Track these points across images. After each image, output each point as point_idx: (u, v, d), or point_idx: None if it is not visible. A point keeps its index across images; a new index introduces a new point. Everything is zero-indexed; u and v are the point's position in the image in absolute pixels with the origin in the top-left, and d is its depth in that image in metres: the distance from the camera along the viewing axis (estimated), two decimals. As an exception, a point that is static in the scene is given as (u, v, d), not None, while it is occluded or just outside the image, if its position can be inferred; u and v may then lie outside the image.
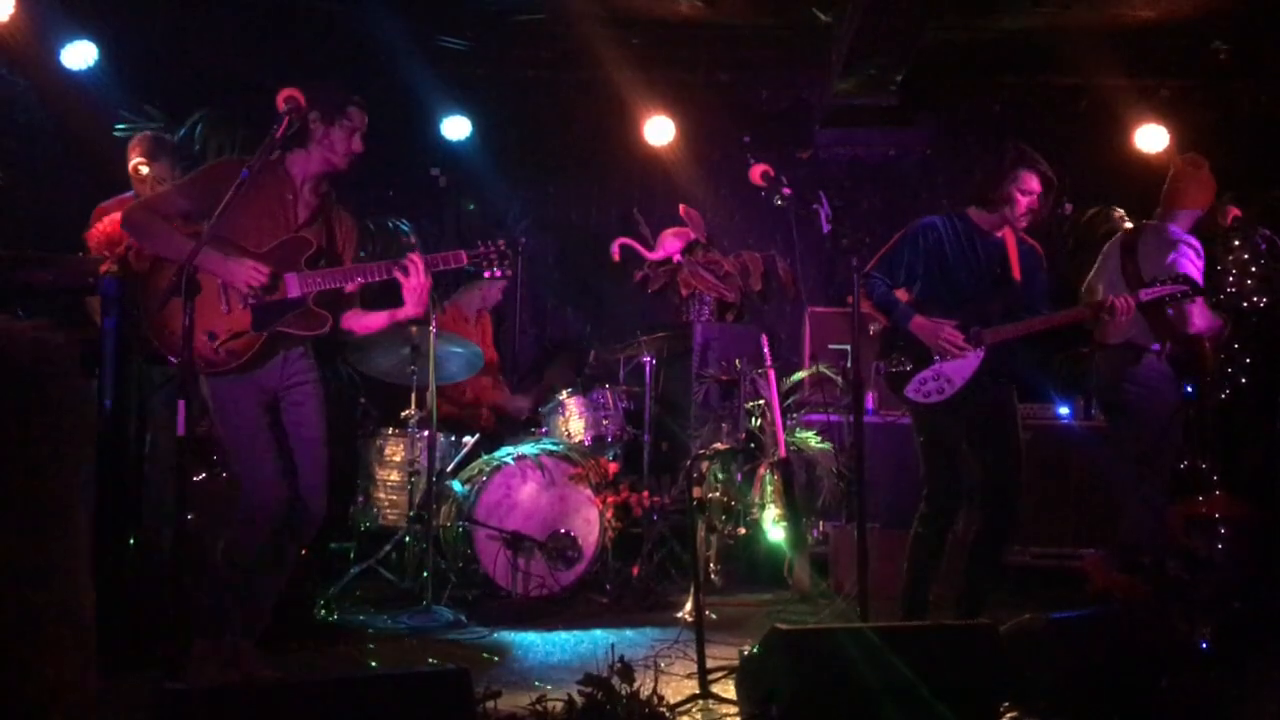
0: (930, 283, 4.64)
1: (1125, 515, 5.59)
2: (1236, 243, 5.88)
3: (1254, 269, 5.77)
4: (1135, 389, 5.59)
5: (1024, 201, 4.59)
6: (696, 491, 5.99)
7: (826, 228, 4.41)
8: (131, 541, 4.56)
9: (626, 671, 3.23)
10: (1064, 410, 6.54)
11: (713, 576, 6.09)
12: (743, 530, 6.26)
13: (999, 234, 4.69)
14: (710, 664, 4.07)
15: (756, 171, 4.51)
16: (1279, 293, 5.89)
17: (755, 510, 6.28)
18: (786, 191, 4.43)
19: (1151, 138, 7.43)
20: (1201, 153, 7.33)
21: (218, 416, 4.11)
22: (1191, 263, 5.33)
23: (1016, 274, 4.64)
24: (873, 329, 5.05)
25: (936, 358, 4.57)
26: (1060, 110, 7.77)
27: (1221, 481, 6.30)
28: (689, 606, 5.17)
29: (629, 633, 5.15)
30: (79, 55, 6.49)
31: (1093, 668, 3.60)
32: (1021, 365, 4.72)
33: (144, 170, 5.05)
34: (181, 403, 3.48)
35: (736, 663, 4.18)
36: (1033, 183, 4.59)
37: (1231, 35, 6.93)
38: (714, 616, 5.24)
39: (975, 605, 4.55)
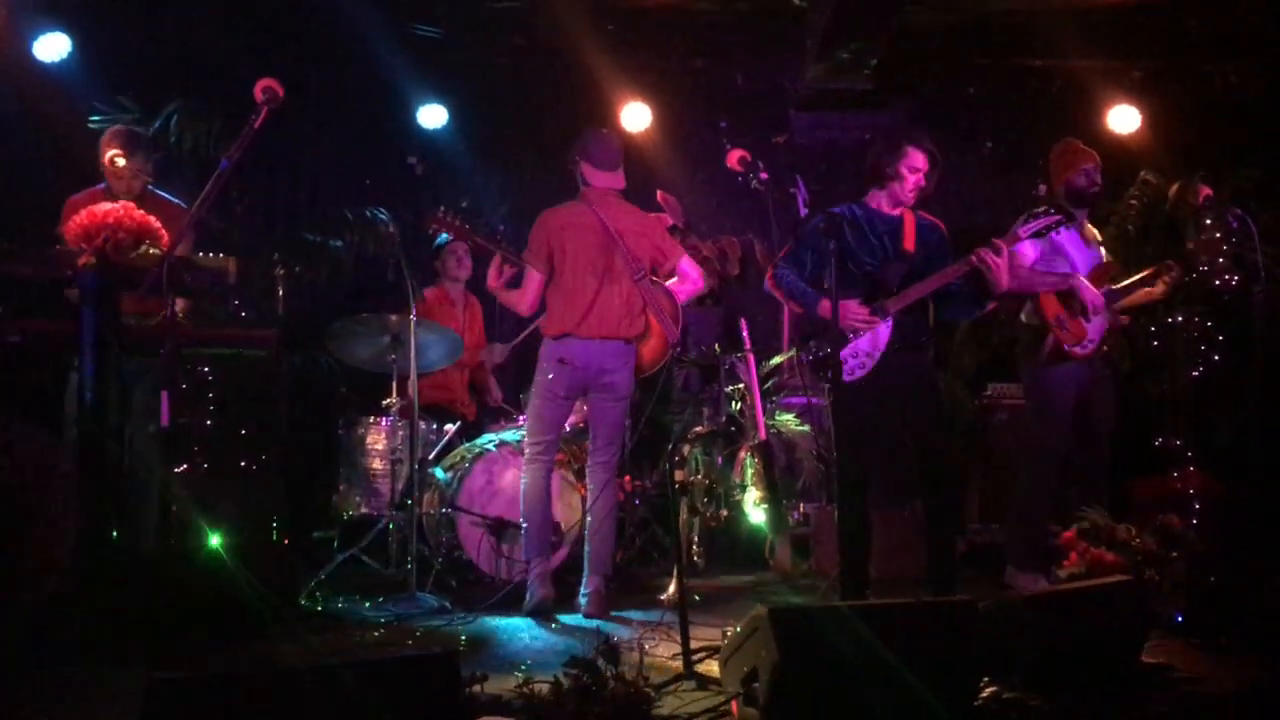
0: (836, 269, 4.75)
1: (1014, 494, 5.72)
2: (1208, 221, 5.95)
3: (1225, 247, 5.84)
4: (1024, 373, 5.72)
5: (911, 179, 4.81)
6: (679, 475, 6.04)
7: (804, 211, 4.47)
8: (114, 535, 4.55)
9: (612, 653, 3.26)
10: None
11: (695, 559, 6.14)
12: (725, 513, 6.32)
13: (895, 212, 4.89)
14: (694, 645, 4.10)
15: (734, 157, 4.58)
16: (1250, 271, 5.96)
17: (737, 492, 6.32)
18: (764, 176, 4.50)
19: (1123, 118, 7.49)
20: (1173, 133, 7.46)
21: None
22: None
23: (910, 246, 4.82)
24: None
25: (850, 336, 4.72)
26: (1033, 92, 7.82)
27: (1194, 458, 6.40)
28: (672, 589, 5.20)
29: (613, 614, 5.18)
30: (52, 47, 6.47)
31: (1070, 643, 3.65)
32: (926, 337, 4.87)
33: (120, 163, 5.03)
34: (165, 393, 3.49)
35: (720, 643, 4.25)
36: (918, 160, 4.80)
37: (1202, 16, 6.98)
38: (697, 598, 5.27)
39: (941, 584, 4.67)
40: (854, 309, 4.68)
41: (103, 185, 5.16)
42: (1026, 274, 5.45)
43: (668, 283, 5.54)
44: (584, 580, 5.23)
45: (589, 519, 5.28)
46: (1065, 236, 5.48)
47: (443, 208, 5.52)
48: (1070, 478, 5.55)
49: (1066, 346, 5.43)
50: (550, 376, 5.23)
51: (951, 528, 4.92)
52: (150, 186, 5.24)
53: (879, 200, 4.90)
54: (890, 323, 4.71)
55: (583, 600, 5.18)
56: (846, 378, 4.69)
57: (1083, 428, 5.52)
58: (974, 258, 4.64)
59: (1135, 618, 3.97)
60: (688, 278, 5.46)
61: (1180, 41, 7.28)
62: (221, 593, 4.61)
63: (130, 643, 4.07)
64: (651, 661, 4.16)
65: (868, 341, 4.73)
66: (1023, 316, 5.64)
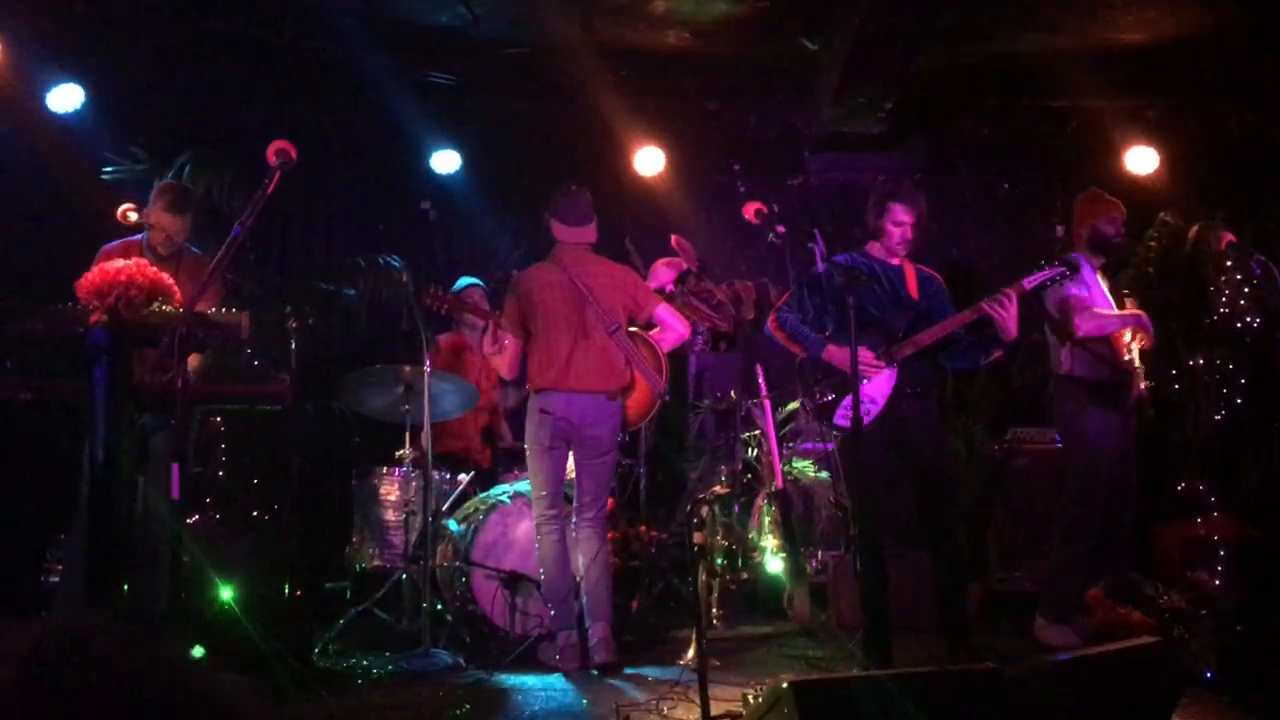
0: (840, 316, 4.78)
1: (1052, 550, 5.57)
2: (1230, 263, 5.90)
3: (1247, 290, 5.79)
4: (1063, 421, 5.62)
5: (896, 232, 4.94)
6: (697, 537, 5.97)
7: (821, 266, 4.44)
8: (125, 588, 4.49)
9: (630, 727, 3.19)
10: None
11: (714, 621, 6.04)
12: (744, 575, 6.24)
13: (895, 262, 4.99)
14: (714, 708, 4.01)
15: (750, 209, 4.55)
16: (1272, 314, 5.90)
17: (756, 553, 6.25)
18: (780, 229, 4.47)
19: (1141, 159, 7.44)
20: (1191, 173, 7.41)
21: None
22: (1069, 283, 5.34)
23: (915, 294, 4.90)
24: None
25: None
26: (1049, 132, 7.78)
27: (1220, 503, 6.31)
28: (691, 653, 5.13)
29: (629, 672, 5.10)
30: (65, 98, 6.50)
31: (1099, 709, 3.56)
32: (939, 380, 4.98)
33: (168, 219, 5.09)
34: (175, 466, 3.44)
35: (739, 706, 4.17)
36: (900, 214, 4.91)
37: (1217, 56, 6.94)
38: (717, 664, 5.13)
39: (955, 636, 4.71)
40: (862, 354, 4.66)
41: (140, 237, 5.18)
42: (1099, 315, 5.40)
43: (650, 333, 5.54)
44: (589, 630, 5.17)
45: (582, 579, 5.25)
46: (1096, 290, 5.44)
47: (432, 286, 5.76)
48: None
49: (1139, 391, 5.38)
50: (535, 427, 5.24)
51: (959, 576, 4.91)
52: (188, 246, 5.28)
53: (878, 250, 5.02)
54: (895, 370, 4.74)
55: (592, 649, 5.11)
56: (849, 423, 4.65)
57: (1112, 476, 5.43)
58: (984, 306, 4.63)
59: (1166, 679, 3.88)
60: (668, 325, 5.44)
61: (1195, 82, 7.23)
62: (234, 650, 4.58)
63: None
64: (670, 727, 4.11)
65: (872, 388, 4.75)
66: (1068, 367, 5.50)
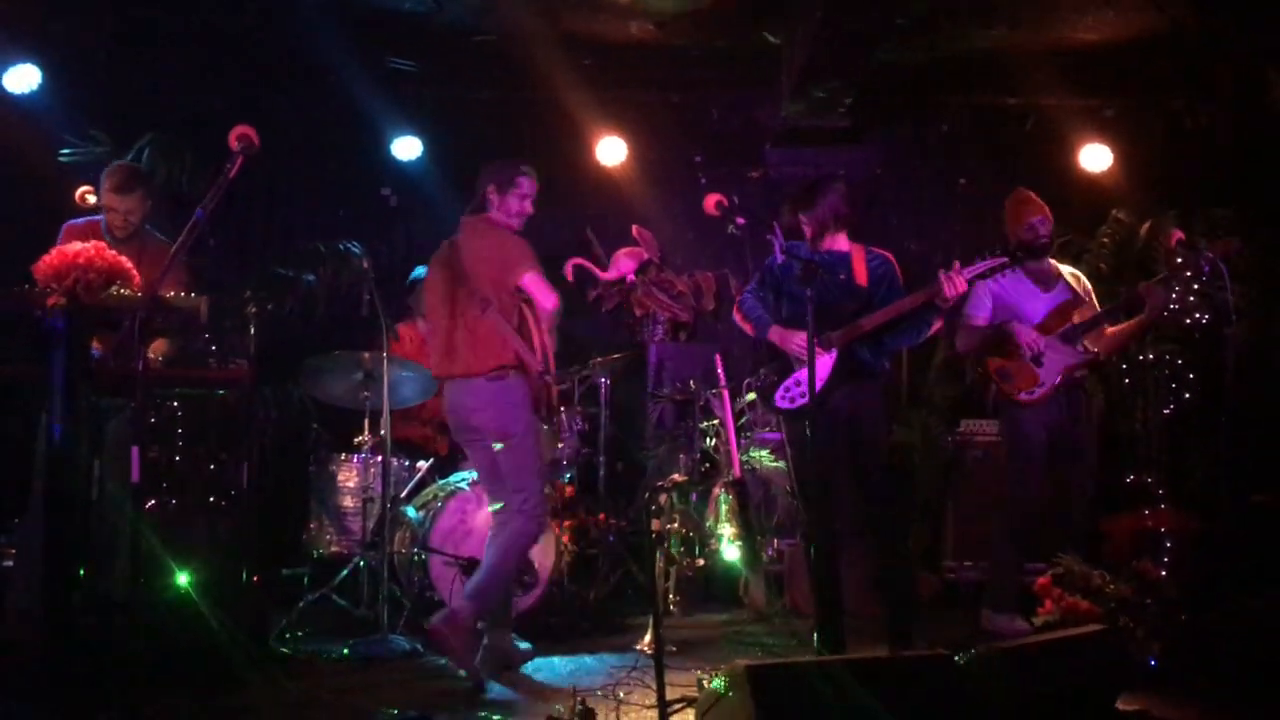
0: (793, 302, 4.88)
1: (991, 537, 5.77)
2: (1180, 260, 5.99)
3: (1196, 286, 5.89)
4: (996, 411, 5.85)
5: (834, 221, 4.98)
6: (655, 525, 6.02)
7: (780, 258, 4.48)
8: (80, 572, 4.48)
9: (588, 714, 3.23)
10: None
11: (671, 608, 6.09)
12: (701, 561, 6.29)
13: (845, 249, 5.01)
14: (670, 693, 4.06)
15: (711, 201, 4.59)
16: (1221, 311, 6.02)
17: (713, 541, 6.30)
18: (740, 222, 4.51)
19: (1095, 156, 7.58)
20: (1144, 170, 7.53)
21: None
22: (971, 299, 5.60)
23: (863, 281, 4.92)
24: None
25: (795, 365, 4.82)
26: (1007, 130, 7.87)
27: (1167, 495, 6.43)
28: (648, 638, 5.18)
29: (587, 659, 5.15)
30: (22, 79, 6.42)
31: (1046, 694, 3.64)
32: (880, 368, 4.95)
33: (115, 200, 5.08)
34: (135, 449, 3.43)
35: (695, 691, 4.22)
36: (840, 206, 4.98)
37: (1170, 56, 7.05)
38: (674, 649, 5.21)
39: (899, 624, 4.74)
40: (800, 338, 4.74)
41: (100, 218, 5.16)
42: (975, 333, 5.64)
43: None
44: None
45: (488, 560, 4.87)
46: (1016, 289, 5.54)
47: None
48: (1050, 518, 5.55)
49: (1019, 395, 5.48)
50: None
51: (901, 567, 4.93)
52: (147, 228, 5.24)
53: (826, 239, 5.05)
54: (834, 354, 4.80)
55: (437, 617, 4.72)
56: (787, 404, 4.85)
57: (1056, 468, 5.54)
58: (928, 293, 4.74)
59: (1111, 667, 3.97)
60: (534, 297, 4.88)
61: (1151, 81, 7.35)
62: (192, 636, 4.58)
63: (97, 689, 4.01)
64: (627, 711, 4.16)
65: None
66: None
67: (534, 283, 4.83)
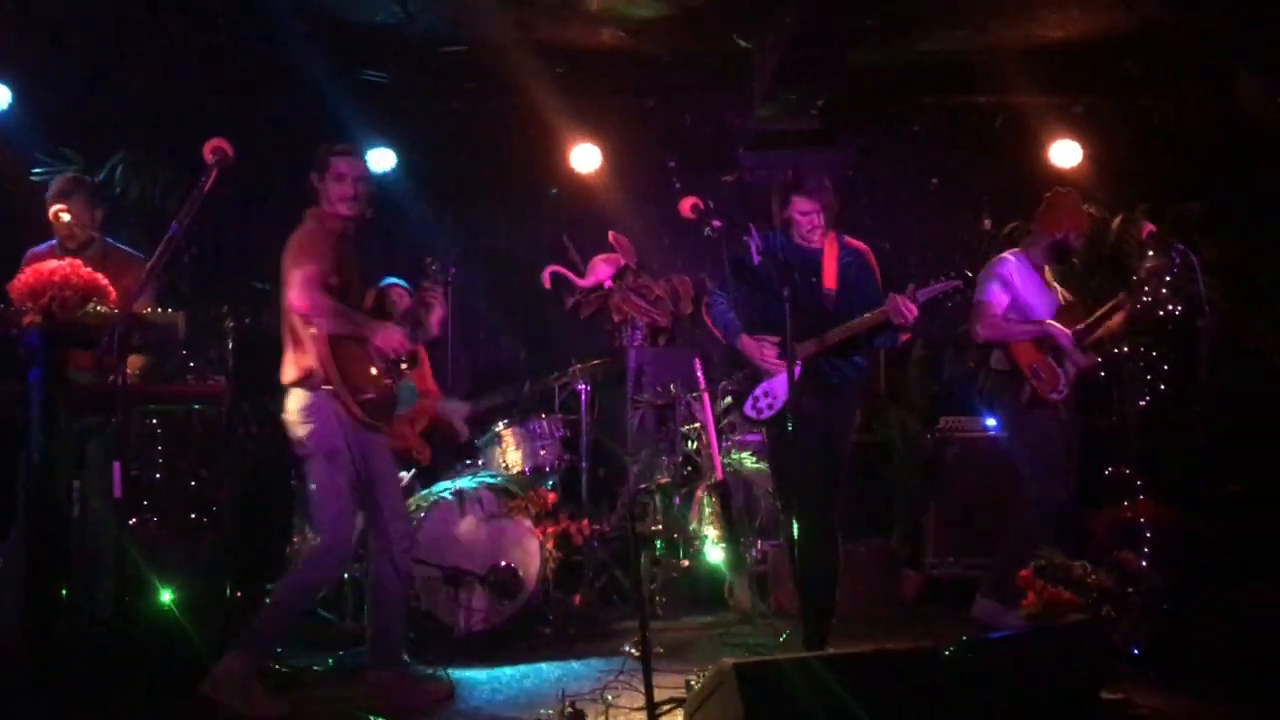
0: (765, 301, 4.79)
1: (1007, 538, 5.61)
2: (1150, 252, 6.06)
3: (1167, 278, 5.94)
4: (1002, 415, 5.75)
5: (804, 221, 4.94)
6: (639, 528, 6.03)
7: (757, 259, 4.50)
8: (64, 592, 4.47)
9: (578, 717, 3.24)
10: (991, 422, 6.62)
11: (657, 611, 6.11)
12: (685, 563, 6.31)
13: (816, 245, 4.97)
14: (658, 695, 4.08)
15: (687, 204, 4.60)
16: (1193, 303, 6.08)
17: (696, 542, 6.32)
18: (717, 224, 4.53)
19: (1065, 152, 7.64)
20: (1114, 166, 7.59)
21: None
22: (990, 287, 5.55)
23: (832, 284, 4.89)
24: None
25: (764, 374, 4.83)
26: (977, 128, 7.92)
27: (1145, 486, 6.49)
28: (634, 642, 5.19)
29: (575, 665, 5.15)
30: (-9, 98, 6.39)
31: (1030, 685, 3.68)
32: (852, 375, 4.90)
33: (64, 217, 5.00)
34: (117, 465, 3.43)
35: (682, 692, 4.24)
36: (803, 205, 4.93)
37: (1141, 53, 7.12)
38: (661, 650, 5.23)
39: (814, 618, 4.66)
40: (767, 349, 4.77)
41: (54, 242, 5.10)
42: (1001, 323, 5.54)
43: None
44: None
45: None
46: (1030, 284, 5.57)
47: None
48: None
49: (1045, 395, 5.48)
50: None
51: (827, 557, 4.80)
52: (108, 239, 5.20)
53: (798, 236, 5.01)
54: (799, 366, 4.70)
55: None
56: (755, 414, 4.85)
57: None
58: (882, 315, 4.68)
59: (1094, 656, 4.01)
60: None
61: (1119, 78, 7.42)
62: (177, 651, 4.57)
63: (81, 707, 4.00)
64: (615, 714, 4.16)
65: (776, 383, 4.79)
66: (993, 363, 5.63)
67: (291, 279, 4.45)
